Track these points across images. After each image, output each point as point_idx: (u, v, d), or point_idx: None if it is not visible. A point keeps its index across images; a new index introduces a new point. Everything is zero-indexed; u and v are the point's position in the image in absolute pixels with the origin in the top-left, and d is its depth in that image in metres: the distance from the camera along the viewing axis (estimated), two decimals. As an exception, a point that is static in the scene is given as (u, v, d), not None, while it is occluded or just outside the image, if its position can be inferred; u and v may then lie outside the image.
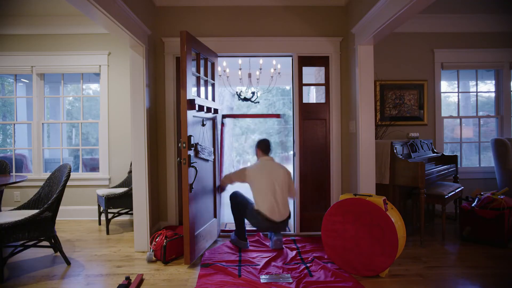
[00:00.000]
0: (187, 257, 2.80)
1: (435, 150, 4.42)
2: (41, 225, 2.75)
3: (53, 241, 2.89)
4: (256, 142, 3.42)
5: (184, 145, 2.76)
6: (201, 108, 3.09)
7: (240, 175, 3.34)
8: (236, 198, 3.32)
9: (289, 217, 3.25)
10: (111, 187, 4.29)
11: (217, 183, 3.63)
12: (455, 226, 3.97)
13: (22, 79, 6.31)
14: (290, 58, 3.84)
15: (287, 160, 12.76)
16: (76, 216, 4.46)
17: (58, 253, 3.13)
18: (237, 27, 3.73)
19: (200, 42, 3.14)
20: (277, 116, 4.21)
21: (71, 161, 7.35)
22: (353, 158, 3.58)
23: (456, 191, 3.71)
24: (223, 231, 3.80)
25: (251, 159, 13.27)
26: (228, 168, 10.83)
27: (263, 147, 3.36)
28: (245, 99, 4.56)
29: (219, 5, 3.71)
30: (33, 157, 4.50)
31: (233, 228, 3.51)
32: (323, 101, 3.89)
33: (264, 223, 3.15)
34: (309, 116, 3.79)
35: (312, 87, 6.18)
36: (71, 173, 3.31)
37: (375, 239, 2.55)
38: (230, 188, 3.62)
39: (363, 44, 3.33)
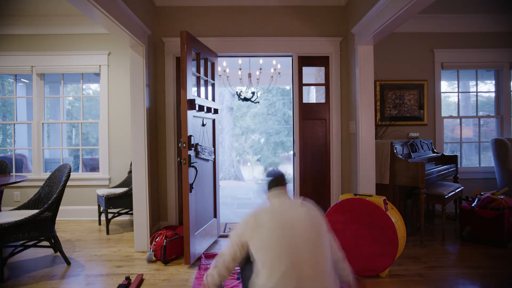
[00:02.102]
0: (187, 257, 2.80)
1: (435, 150, 4.42)
2: (41, 225, 2.75)
3: (53, 241, 2.89)
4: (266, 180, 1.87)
5: (184, 145, 2.76)
6: (201, 108, 3.10)
7: (237, 236, 1.69)
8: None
9: None
10: (111, 187, 4.29)
11: (217, 183, 3.63)
12: (455, 226, 3.97)
13: (22, 79, 6.31)
14: (290, 58, 3.84)
15: (287, 159, 12.77)
16: (76, 216, 4.46)
17: (58, 253, 3.12)
18: (237, 27, 3.73)
19: (200, 42, 3.14)
20: None
21: (71, 161, 7.36)
22: (353, 158, 3.58)
23: (456, 191, 3.71)
24: (222, 236, 3.80)
25: (251, 159, 13.27)
26: (228, 168, 10.83)
27: (272, 181, 1.82)
28: (245, 99, 4.56)
29: (219, 5, 3.71)
30: (33, 157, 4.50)
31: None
32: (323, 101, 3.90)
33: None
34: (309, 116, 3.79)
35: (312, 87, 6.19)
36: (71, 173, 3.31)
37: (375, 239, 2.54)
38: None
39: (363, 44, 3.33)
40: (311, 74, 5.84)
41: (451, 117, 4.95)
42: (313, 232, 1.61)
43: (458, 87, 4.89)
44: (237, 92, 4.61)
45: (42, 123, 4.53)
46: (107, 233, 3.81)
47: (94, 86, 7.66)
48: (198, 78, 3.12)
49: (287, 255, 1.52)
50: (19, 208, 3.10)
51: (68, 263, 2.91)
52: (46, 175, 4.47)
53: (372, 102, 3.37)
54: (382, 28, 2.88)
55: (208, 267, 2.72)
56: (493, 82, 4.83)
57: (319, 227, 1.65)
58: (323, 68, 3.86)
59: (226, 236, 3.67)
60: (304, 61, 3.77)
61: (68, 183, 4.18)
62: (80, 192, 4.47)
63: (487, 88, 6.45)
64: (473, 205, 3.42)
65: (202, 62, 3.29)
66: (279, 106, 12.65)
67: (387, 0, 2.70)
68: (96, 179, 4.46)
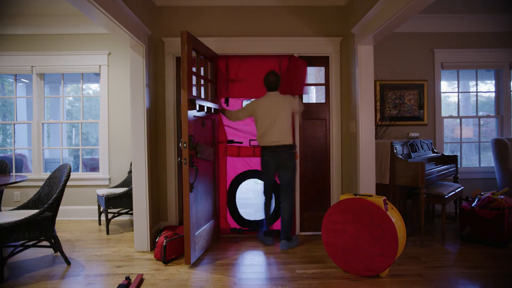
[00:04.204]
0: (188, 257, 2.80)
1: (435, 150, 4.42)
2: (41, 225, 2.75)
3: (53, 241, 2.89)
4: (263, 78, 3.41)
5: (184, 145, 2.76)
6: (201, 108, 3.10)
7: (247, 109, 3.38)
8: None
9: (290, 147, 3.27)
10: (111, 187, 4.29)
11: (217, 184, 3.63)
12: (455, 226, 3.97)
13: (22, 79, 6.31)
14: (290, 58, 3.84)
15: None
16: (76, 216, 4.47)
17: (58, 253, 3.13)
18: (237, 27, 3.73)
19: (200, 42, 3.14)
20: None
21: (71, 161, 7.36)
22: (353, 158, 3.58)
23: (456, 191, 3.71)
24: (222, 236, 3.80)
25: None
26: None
27: (267, 84, 3.34)
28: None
29: (219, 5, 3.71)
30: (33, 157, 4.50)
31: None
32: (323, 101, 3.90)
33: (264, 156, 3.29)
34: (309, 116, 3.79)
35: (312, 87, 6.19)
36: (71, 173, 3.32)
37: (375, 239, 2.55)
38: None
39: (363, 44, 3.33)
40: (311, 74, 5.85)
41: (451, 117, 4.95)
42: (286, 111, 3.26)
43: (458, 87, 4.89)
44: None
45: (42, 123, 4.53)
46: (107, 233, 3.81)
47: (94, 86, 7.66)
48: (198, 78, 3.12)
49: (267, 122, 3.24)
50: (19, 208, 3.10)
51: (68, 263, 2.91)
52: (46, 175, 4.47)
53: (372, 102, 3.37)
54: (382, 28, 2.88)
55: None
56: (493, 82, 4.84)
57: (285, 109, 3.25)
58: (323, 68, 3.87)
59: (227, 237, 3.67)
60: (304, 61, 3.76)
61: (68, 183, 4.20)
62: (80, 192, 4.47)
63: (487, 88, 6.45)
64: (473, 205, 3.42)
65: (202, 62, 3.29)
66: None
67: (387, 0, 2.70)
68: (96, 179, 4.46)
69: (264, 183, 3.46)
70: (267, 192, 3.47)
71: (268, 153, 3.29)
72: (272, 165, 3.31)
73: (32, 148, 4.50)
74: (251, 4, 3.73)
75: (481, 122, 4.95)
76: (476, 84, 4.92)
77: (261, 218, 3.70)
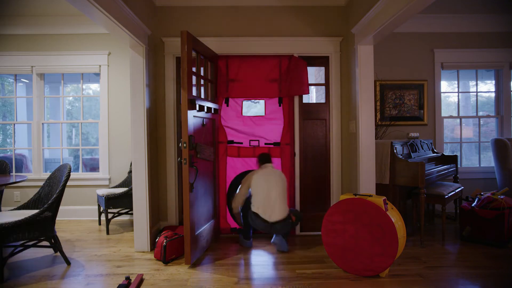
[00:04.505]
0: (188, 257, 2.80)
1: (435, 150, 4.42)
2: (41, 225, 2.75)
3: (53, 241, 2.89)
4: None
5: (184, 145, 2.76)
6: (201, 108, 3.10)
7: (245, 183, 3.30)
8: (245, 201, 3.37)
9: (288, 219, 3.21)
10: (111, 187, 4.29)
11: (217, 184, 3.63)
12: (455, 226, 3.97)
13: (22, 79, 6.31)
14: (290, 58, 3.84)
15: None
16: (76, 216, 4.46)
17: (58, 253, 3.13)
18: (237, 27, 3.73)
19: (200, 42, 3.14)
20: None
21: (71, 161, 7.36)
22: (353, 158, 3.58)
23: (456, 191, 3.71)
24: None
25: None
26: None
27: (261, 158, 3.40)
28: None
29: (219, 5, 3.71)
30: (33, 157, 4.50)
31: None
32: (323, 101, 3.90)
33: (260, 224, 3.18)
34: (309, 116, 3.79)
35: (312, 87, 6.18)
36: (71, 173, 3.31)
37: (375, 239, 2.55)
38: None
39: (363, 44, 3.33)
40: (311, 74, 5.84)
41: (451, 117, 4.95)
42: (281, 186, 3.23)
43: (458, 87, 4.89)
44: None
45: (42, 123, 4.53)
46: (107, 233, 3.81)
47: (94, 86, 7.65)
48: (198, 78, 3.12)
49: (265, 193, 3.18)
50: (19, 208, 3.10)
51: (68, 263, 2.91)
52: (46, 175, 4.47)
53: (372, 102, 3.37)
54: (382, 28, 2.88)
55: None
56: (493, 82, 4.84)
57: (281, 183, 3.24)
58: (323, 68, 3.86)
59: (227, 237, 3.67)
60: (304, 61, 3.76)
61: (68, 183, 4.20)
62: (80, 192, 4.47)
63: (487, 88, 6.45)
64: (473, 205, 3.42)
65: (202, 62, 3.29)
66: (279, 106, 12.63)
67: (387, 0, 2.70)
68: (96, 179, 4.46)
69: (244, 228, 3.38)
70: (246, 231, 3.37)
71: (262, 222, 3.16)
72: (264, 229, 3.20)
73: (32, 148, 4.50)
74: (251, 4, 3.73)
75: (481, 122, 4.95)
76: (476, 84, 4.92)
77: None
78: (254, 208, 3.21)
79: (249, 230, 3.36)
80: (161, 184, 3.70)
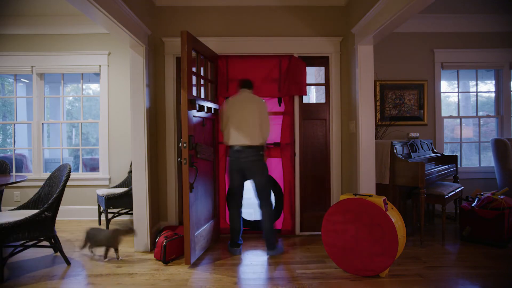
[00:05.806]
0: (188, 257, 2.80)
1: (435, 150, 4.42)
2: (41, 225, 2.75)
3: (53, 241, 2.89)
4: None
5: (184, 145, 2.76)
6: (201, 108, 3.10)
7: (223, 112, 3.22)
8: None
9: (259, 150, 3.05)
10: (111, 187, 4.29)
11: (217, 184, 3.63)
12: (455, 226, 3.97)
13: (22, 79, 6.31)
14: (290, 58, 3.84)
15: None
16: (76, 216, 4.47)
17: (58, 253, 3.13)
18: (237, 27, 3.73)
19: (200, 42, 3.14)
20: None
21: (71, 161, 7.36)
22: (353, 158, 3.58)
23: (456, 191, 3.71)
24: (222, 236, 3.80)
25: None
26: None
27: (240, 82, 3.25)
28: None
29: (219, 5, 3.71)
30: (33, 157, 4.50)
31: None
32: (323, 101, 3.90)
33: (230, 156, 3.09)
34: (309, 116, 3.79)
35: (312, 87, 6.18)
36: (71, 173, 3.31)
37: (375, 239, 2.55)
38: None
39: (363, 44, 3.33)
40: (311, 74, 5.84)
41: (451, 117, 4.95)
42: (254, 113, 3.08)
43: (458, 87, 4.89)
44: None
45: (42, 123, 4.53)
46: (107, 233, 3.81)
47: (94, 86, 7.65)
48: (198, 78, 3.12)
49: (237, 119, 3.09)
50: (19, 208, 3.10)
51: (68, 263, 2.91)
52: (46, 175, 4.47)
53: (372, 102, 3.37)
54: (382, 28, 2.88)
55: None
56: (493, 82, 4.83)
57: (258, 112, 3.09)
58: (323, 68, 3.86)
59: (227, 237, 3.67)
60: (304, 61, 3.77)
61: (68, 183, 4.20)
62: (80, 192, 4.47)
63: (487, 88, 6.45)
64: (473, 205, 3.42)
65: (202, 62, 3.29)
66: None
67: (387, 0, 2.70)
68: (96, 179, 4.46)
69: (228, 187, 3.28)
70: (231, 198, 3.22)
71: (233, 153, 3.09)
72: (237, 167, 3.10)
73: (32, 148, 4.50)
74: (251, 4, 3.73)
75: (481, 122, 4.95)
76: (476, 84, 4.92)
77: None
78: (229, 140, 3.11)
79: (237, 234, 3.18)
80: (161, 184, 3.70)
